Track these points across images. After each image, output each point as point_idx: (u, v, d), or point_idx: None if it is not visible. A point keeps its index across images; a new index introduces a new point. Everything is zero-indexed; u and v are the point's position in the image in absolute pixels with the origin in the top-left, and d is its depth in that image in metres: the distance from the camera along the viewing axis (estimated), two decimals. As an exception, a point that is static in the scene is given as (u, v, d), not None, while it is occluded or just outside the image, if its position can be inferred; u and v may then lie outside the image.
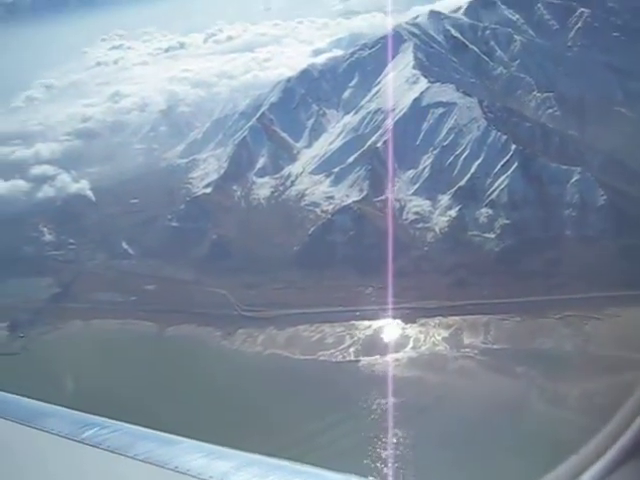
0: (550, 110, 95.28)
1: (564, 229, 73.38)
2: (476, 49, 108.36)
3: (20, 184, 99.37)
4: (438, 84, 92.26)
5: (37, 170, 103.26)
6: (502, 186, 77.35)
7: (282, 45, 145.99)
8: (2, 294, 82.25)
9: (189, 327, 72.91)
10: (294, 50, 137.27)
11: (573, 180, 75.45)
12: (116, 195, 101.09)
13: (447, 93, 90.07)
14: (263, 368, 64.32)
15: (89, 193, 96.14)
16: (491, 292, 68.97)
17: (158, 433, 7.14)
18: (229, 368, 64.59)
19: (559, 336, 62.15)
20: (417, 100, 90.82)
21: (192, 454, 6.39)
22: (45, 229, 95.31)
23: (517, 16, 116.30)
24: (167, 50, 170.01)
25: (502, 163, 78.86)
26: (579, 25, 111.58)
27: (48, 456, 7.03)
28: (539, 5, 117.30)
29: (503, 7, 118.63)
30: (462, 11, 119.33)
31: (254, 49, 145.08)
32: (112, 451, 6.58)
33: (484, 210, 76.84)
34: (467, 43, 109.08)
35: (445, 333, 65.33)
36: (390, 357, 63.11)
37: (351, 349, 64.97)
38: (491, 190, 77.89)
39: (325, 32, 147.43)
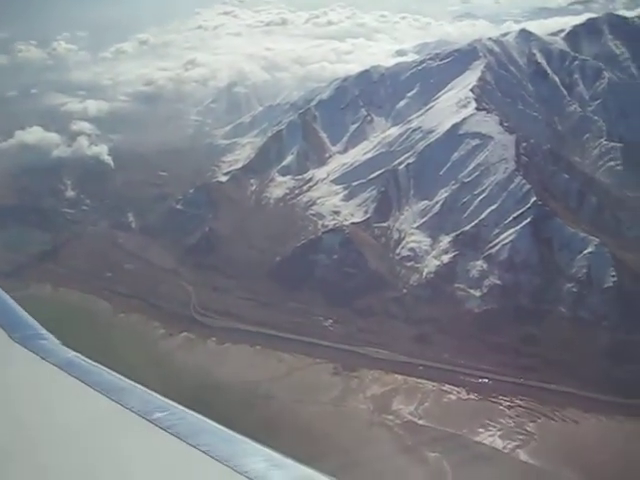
0: (611, 163, 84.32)
1: (557, 305, 63.89)
2: (557, 80, 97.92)
3: (53, 137, 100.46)
4: (484, 113, 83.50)
5: (75, 126, 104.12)
6: (506, 241, 68.60)
7: (372, 39, 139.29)
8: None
9: (140, 317, 70.65)
10: (380, 47, 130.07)
11: (586, 251, 65.55)
12: (149, 164, 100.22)
13: (488, 125, 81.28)
14: (181, 380, 60.34)
15: (107, 158, 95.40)
16: (452, 357, 61.39)
17: (223, 428, 7.10)
18: (150, 371, 61.31)
19: (499, 427, 54.06)
20: (456, 126, 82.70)
21: (253, 457, 6.46)
22: (70, 184, 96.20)
23: (622, 49, 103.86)
24: (267, 24, 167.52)
25: (515, 215, 69.98)
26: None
27: (119, 429, 7.30)
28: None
29: (609, 37, 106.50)
30: (563, 35, 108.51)
31: (345, 39, 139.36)
32: (178, 437, 6.78)
33: (479, 263, 68.51)
34: (549, 72, 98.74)
35: (378, 390, 58.73)
36: (304, 398, 57.32)
37: (275, 382, 59.74)
38: (493, 243, 69.38)
39: (420, 33, 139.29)
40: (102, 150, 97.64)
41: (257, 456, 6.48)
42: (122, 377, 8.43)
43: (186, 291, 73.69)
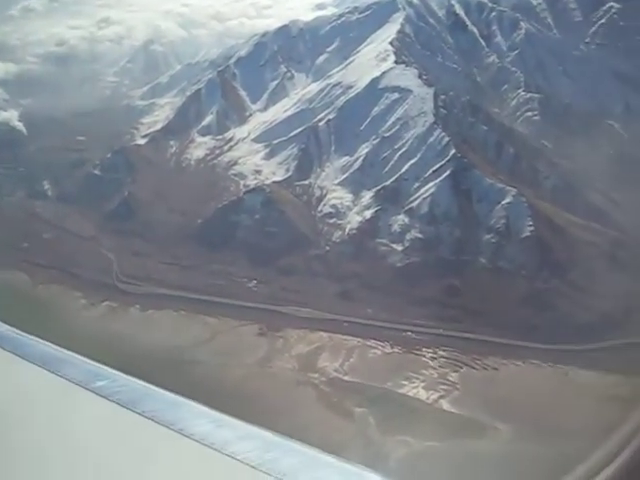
0: (529, 114, 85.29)
1: (478, 256, 64.94)
2: (476, 31, 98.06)
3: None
4: (403, 66, 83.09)
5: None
6: (426, 195, 69.03)
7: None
8: None
9: (58, 288, 68.58)
10: (299, 1, 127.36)
11: (504, 202, 66.54)
12: (64, 129, 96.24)
13: (407, 78, 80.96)
14: (105, 350, 58.99)
15: (18, 124, 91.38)
16: (375, 312, 61.84)
17: (167, 393, 7.07)
18: (74, 343, 59.68)
19: (422, 379, 54.91)
20: (375, 80, 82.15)
21: (198, 419, 6.40)
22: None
23: (539, 0, 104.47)
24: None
25: (434, 169, 70.34)
26: (603, 21, 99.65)
27: (59, 401, 7.15)
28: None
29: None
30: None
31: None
32: (121, 405, 6.69)
33: (400, 217, 68.84)
34: (468, 23, 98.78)
35: (303, 349, 58.82)
36: (230, 361, 57.00)
37: (200, 346, 59.20)
38: (414, 197, 69.71)
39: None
40: (12, 115, 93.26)
41: (202, 418, 6.44)
42: (58, 348, 8.26)
43: (107, 259, 71.88)
